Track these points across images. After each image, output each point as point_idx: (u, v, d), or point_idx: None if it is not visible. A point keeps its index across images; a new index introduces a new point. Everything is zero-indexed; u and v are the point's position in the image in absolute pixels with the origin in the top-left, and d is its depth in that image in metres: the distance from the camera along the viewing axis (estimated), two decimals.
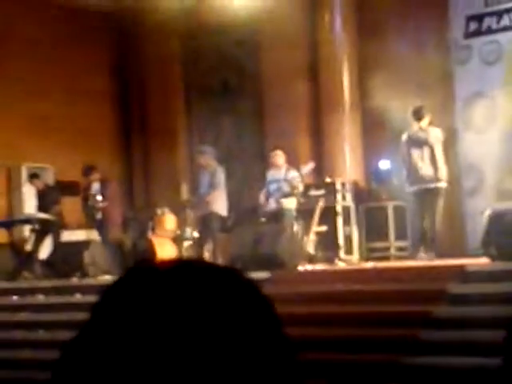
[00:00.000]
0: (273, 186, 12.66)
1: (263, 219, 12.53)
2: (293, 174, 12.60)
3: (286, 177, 12.59)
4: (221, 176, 12.94)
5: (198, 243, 13.19)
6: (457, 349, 7.96)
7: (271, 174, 12.86)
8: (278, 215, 12.44)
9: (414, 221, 11.75)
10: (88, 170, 13.97)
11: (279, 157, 12.81)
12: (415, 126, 11.55)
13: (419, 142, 11.46)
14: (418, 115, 11.54)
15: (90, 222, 13.96)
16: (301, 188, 12.58)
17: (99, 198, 13.76)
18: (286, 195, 12.50)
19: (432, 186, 11.32)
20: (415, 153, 11.46)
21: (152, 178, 16.27)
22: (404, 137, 11.61)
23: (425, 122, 11.54)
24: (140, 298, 1.01)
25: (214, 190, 12.79)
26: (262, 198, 12.78)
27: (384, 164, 13.66)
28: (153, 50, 16.27)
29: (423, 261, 11.06)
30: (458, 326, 8.25)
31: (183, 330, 0.99)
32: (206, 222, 12.95)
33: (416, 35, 13.29)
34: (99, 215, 13.81)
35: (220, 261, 12.89)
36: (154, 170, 16.16)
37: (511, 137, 12.98)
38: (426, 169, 11.36)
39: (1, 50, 15.44)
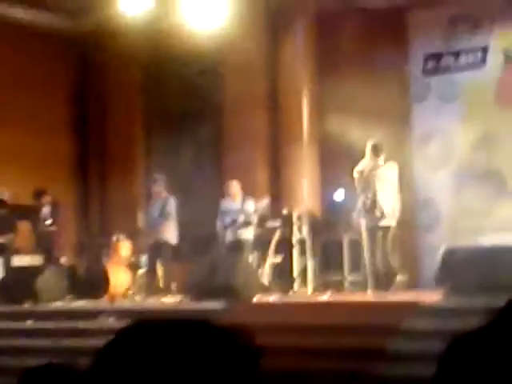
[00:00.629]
0: (228, 217, 12.70)
1: (220, 250, 12.56)
2: (249, 204, 12.68)
3: (242, 207, 12.66)
4: (172, 205, 13.03)
5: (149, 271, 13.17)
6: (410, 383, 8.00)
7: (226, 205, 12.90)
8: (234, 246, 12.47)
9: (367, 255, 11.84)
10: (39, 194, 14.00)
11: (235, 187, 12.90)
12: (373, 161, 11.67)
13: (376, 178, 11.58)
14: (377, 151, 11.66)
15: (40, 245, 13.93)
16: (255, 220, 12.64)
17: (48, 221, 13.79)
18: (242, 226, 12.55)
19: (385, 223, 11.47)
20: (371, 188, 11.58)
21: (109, 204, 16.20)
22: (359, 171, 11.71)
23: (382, 159, 11.68)
24: (140, 352, 1.09)
25: (165, 219, 12.86)
26: (218, 227, 12.84)
27: (339, 195, 13.75)
28: (113, 77, 16.25)
29: (376, 295, 11.14)
30: (412, 361, 8.31)
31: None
32: (156, 251, 12.99)
33: (375, 70, 13.45)
34: (48, 239, 13.82)
35: (173, 289, 12.86)
36: (111, 196, 16.08)
37: (466, 174, 13.16)
38: (379, 206, 11.49)
39: None
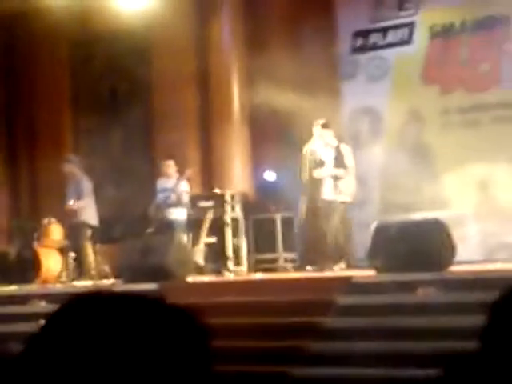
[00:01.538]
0: (161, 196, 12.69)
1: (152, 230, 12.50)
2: (181, 184, 12.65)
3: (174, 187, 12.63)
4: (86, 185, 12.91)
5: (78, 254, 13.01)
6: (344, 360, 8.10)
7: (160, 184, 12.88)
8: (166, 226, 12.43)
9: (306, 233, 11.79)
10: None
11: (170, 167, 12.87)
12: (324, 139, 11.61)
13: (330, 156, 11.56)
14: (327, 129, 11.66)
15: None
16: (186, 199, 12.62)
17: None
18: (174, 205, 12.53)
19: (342, 199, 11.47)
20: (326, 165, 11.55)
21: (38, 187, 15.97)
22: (311, 150, 11.61)
23: (331, 136, 11.69)
24: (83, 326, 1.05)
25: (80, 200, 12.76)
26: (151, 208, 12.76)
27: (270, 176, 13.82)
28: (40, 58, 15.98)
29: (311, 272, 11.21)
30: (346, 337, 8.40)
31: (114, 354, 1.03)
32: (75, 233, 12.88)
33: (304, 49, 13.48)
34: None
35: (106, 272, 12.77)
36: (41, 180, 15.85)
37: (395, 151, 13.32)
38: (336, 183, 11.48)
39: None
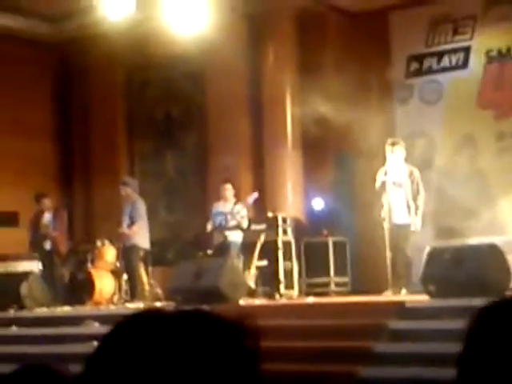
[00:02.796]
0: (218, 219, 12.62)
1: (209, 251, 12.48)
2: (238, 207, 12.56)
3: (232, 210, 12.55)
4: (141, 208, 12.89)
5: (130, 276, 12.98)
6: None
7: (218, 207, 12.79)
8: (222, 248, 12.39)
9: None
10: (40, 198, 13.86)
11: (229, 190, 12.76)
12: (395, 159, 11.42)
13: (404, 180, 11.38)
14: (397, 148, 11.45)
15: (37, 251, 13.74)
16: (245, 223, 12.50)
17: (51, 227, 13.64)
18: (232, 228, 12.46)
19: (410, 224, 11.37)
20: (404, 187, 11.37)
21: (93, 210, 16.15)
22: (386, 170, 11.47)
23: (401, 155, 11.50)
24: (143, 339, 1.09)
25: (134, 223, 12.74)
26: (208, 228, 12.68)
27: (318, 203, 13.79)
28: (96, 83, 16.22)
29: (362, 296, 11.12)
30: (398, 362, 8.31)
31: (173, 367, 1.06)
32: (126, 255, 12.88)
33: (358, 74, 13.44)
34: (48, 245, 13.64)
35: (158, 294, 12.83)
36: (95, 202, 16.03)
37: (449, 176, 13.20)
38: (410, 204, 11.32)
39: None
